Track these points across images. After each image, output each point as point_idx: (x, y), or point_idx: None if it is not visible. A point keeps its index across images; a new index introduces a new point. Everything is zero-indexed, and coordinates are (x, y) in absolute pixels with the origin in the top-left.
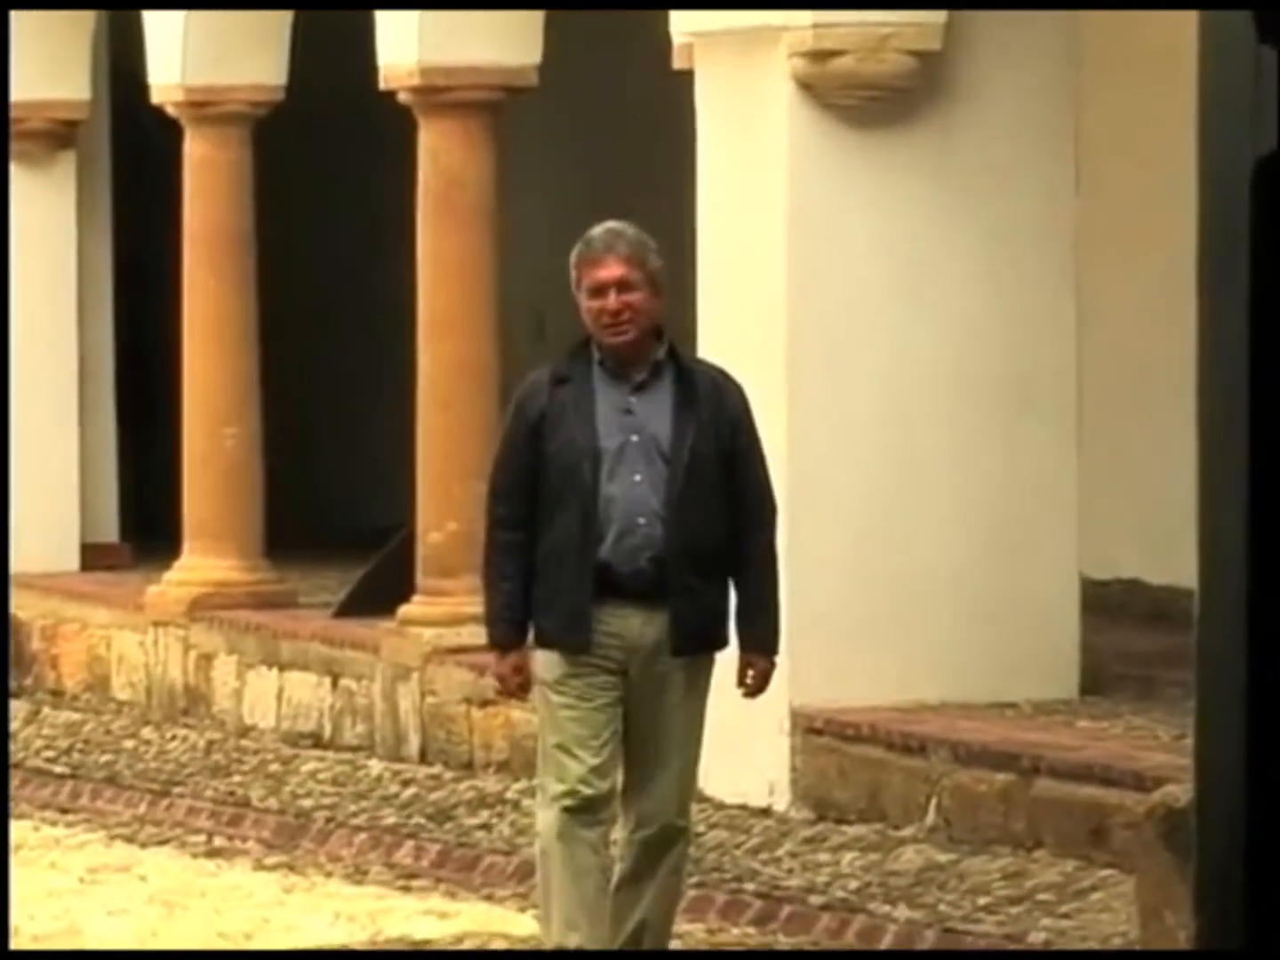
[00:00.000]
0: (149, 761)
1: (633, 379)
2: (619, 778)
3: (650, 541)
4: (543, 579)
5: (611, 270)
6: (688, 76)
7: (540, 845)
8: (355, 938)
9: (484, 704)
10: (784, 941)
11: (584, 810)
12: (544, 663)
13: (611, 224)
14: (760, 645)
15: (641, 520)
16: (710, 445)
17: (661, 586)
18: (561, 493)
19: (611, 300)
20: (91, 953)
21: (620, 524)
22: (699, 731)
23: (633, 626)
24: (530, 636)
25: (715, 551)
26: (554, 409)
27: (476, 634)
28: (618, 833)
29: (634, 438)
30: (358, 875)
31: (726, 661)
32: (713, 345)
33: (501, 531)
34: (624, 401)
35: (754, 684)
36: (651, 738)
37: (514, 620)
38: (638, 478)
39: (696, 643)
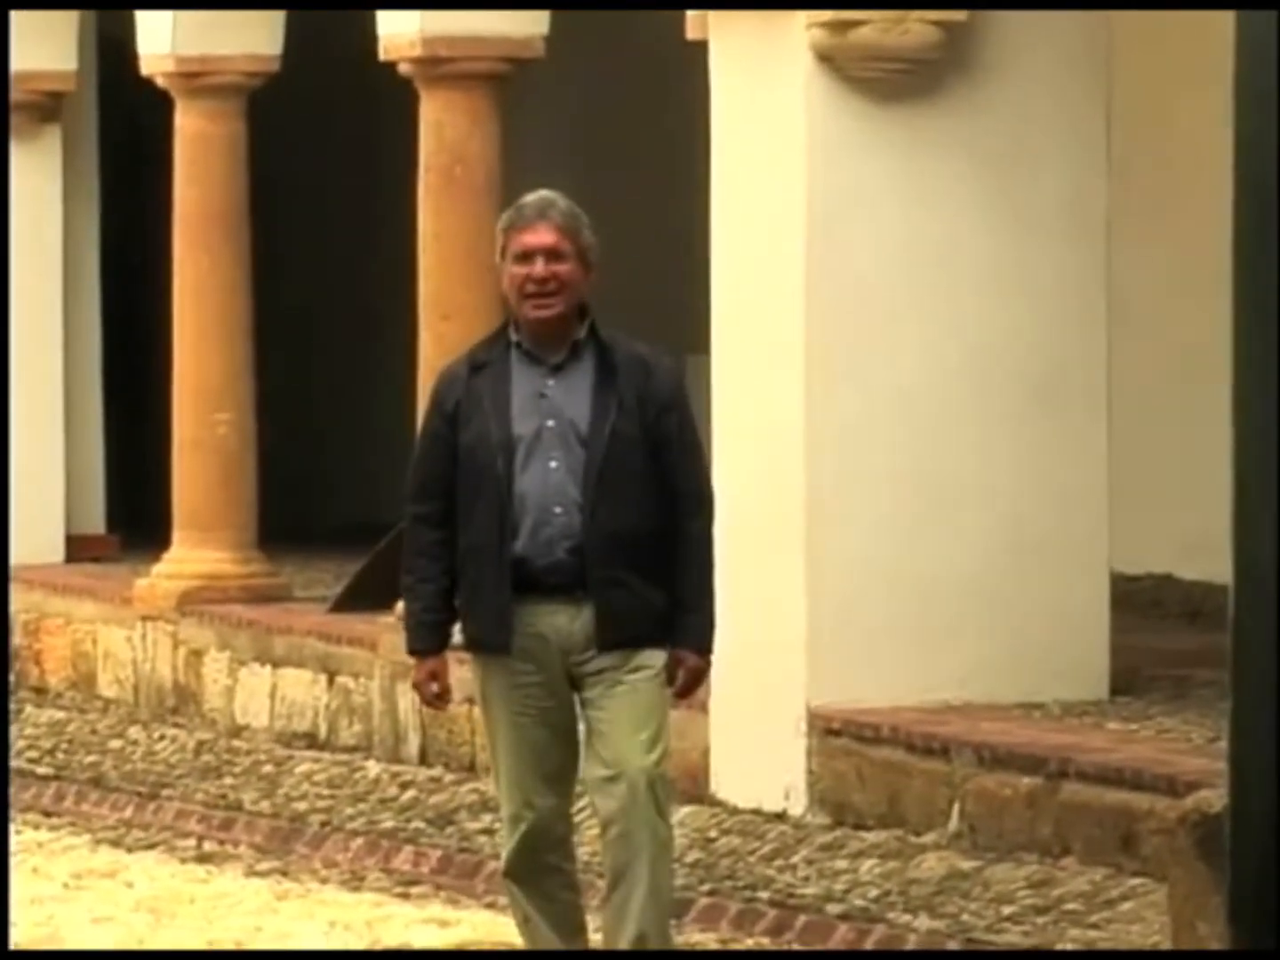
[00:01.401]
0: (136, 762)
1: (549, 360)
2: (572, 790)
3: (568, 531)
4: (462, 579)
5: (542, 237)
6: (701, 48)
7: (502, 875)
8: (351, 947)
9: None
10: (799, 952)
11: (540, 833)
12: (477, 672)
13: (545, 192)
14: (690, 641)
15: (558, 509)
16: (634, 428)
17: (584, 579)
18: (477, 486)
19: (539, 267)
20: (93, 953)
21: (535, 514)
22: (659, 715)
23: (559, 624)
24: (454, 641)
25: (644, 541)
26: (469, 399)
27: None
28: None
29: (550, 423)
30: (354, 882)
31: (719, 659)
32: (728, 332)
33: (420, 530)
34: (540, 385)
35: (684, 683)
36: (606, 730)
37: (433, 625)
38: (554, 464)
39: (626, 636)
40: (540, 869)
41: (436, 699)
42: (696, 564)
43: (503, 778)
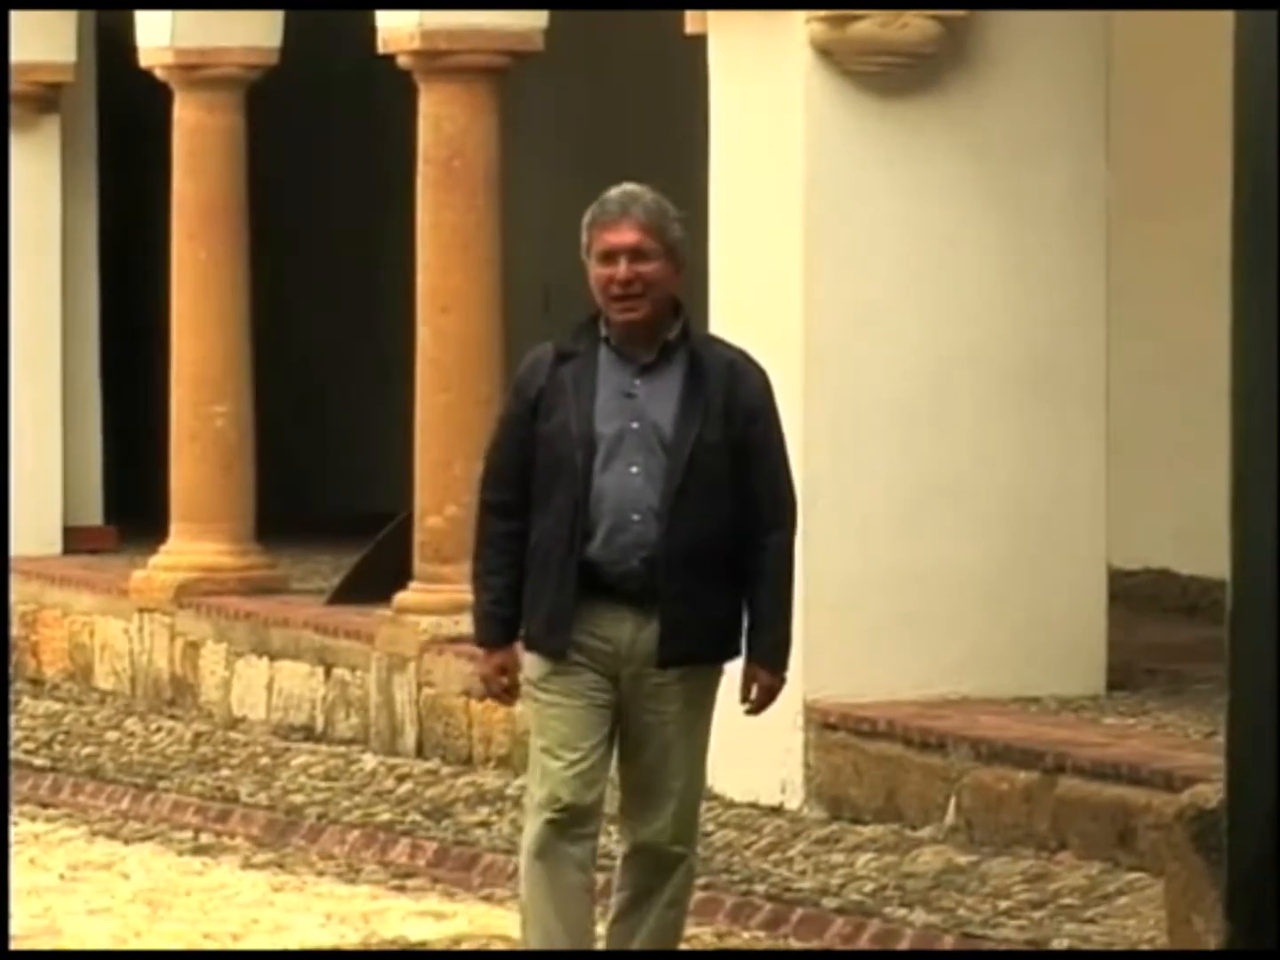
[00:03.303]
0: (133, 754)
1: (639, 360)
2: (606, 788)
3: (644, 540)
4: (530, 575)
5: (624, 236)
6: (701, 41)
7: (521, 863)
8: (347, 939)
9: (483, 696)
10: (795, 946)
11: (568, 823)
12: (530, 661)
13: (629, 186)
14: (765, 659)
15: (635, 516)
16: (720, 435)
17: (655, 590)
18: (553, 480)
19: (622, 269)
20: (95, 953)
21: (612, 519)
22: (701, 753)
23: (625, 632)
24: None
25: (720, 553)
26: (553, 388)
27: None
28: (616, 852)
29: (634, 424)
30: (350, 874)
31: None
32: (726, 324)
33: (492, 520)
34: (627, 384)
35: (757, 700)
36: (648, 759)
37: (501, 618)
38: (634, 469)
39: (690, 654)
40: (565, 859)
41: (504, 693)
42: (776, 578)
43: (540, 766)
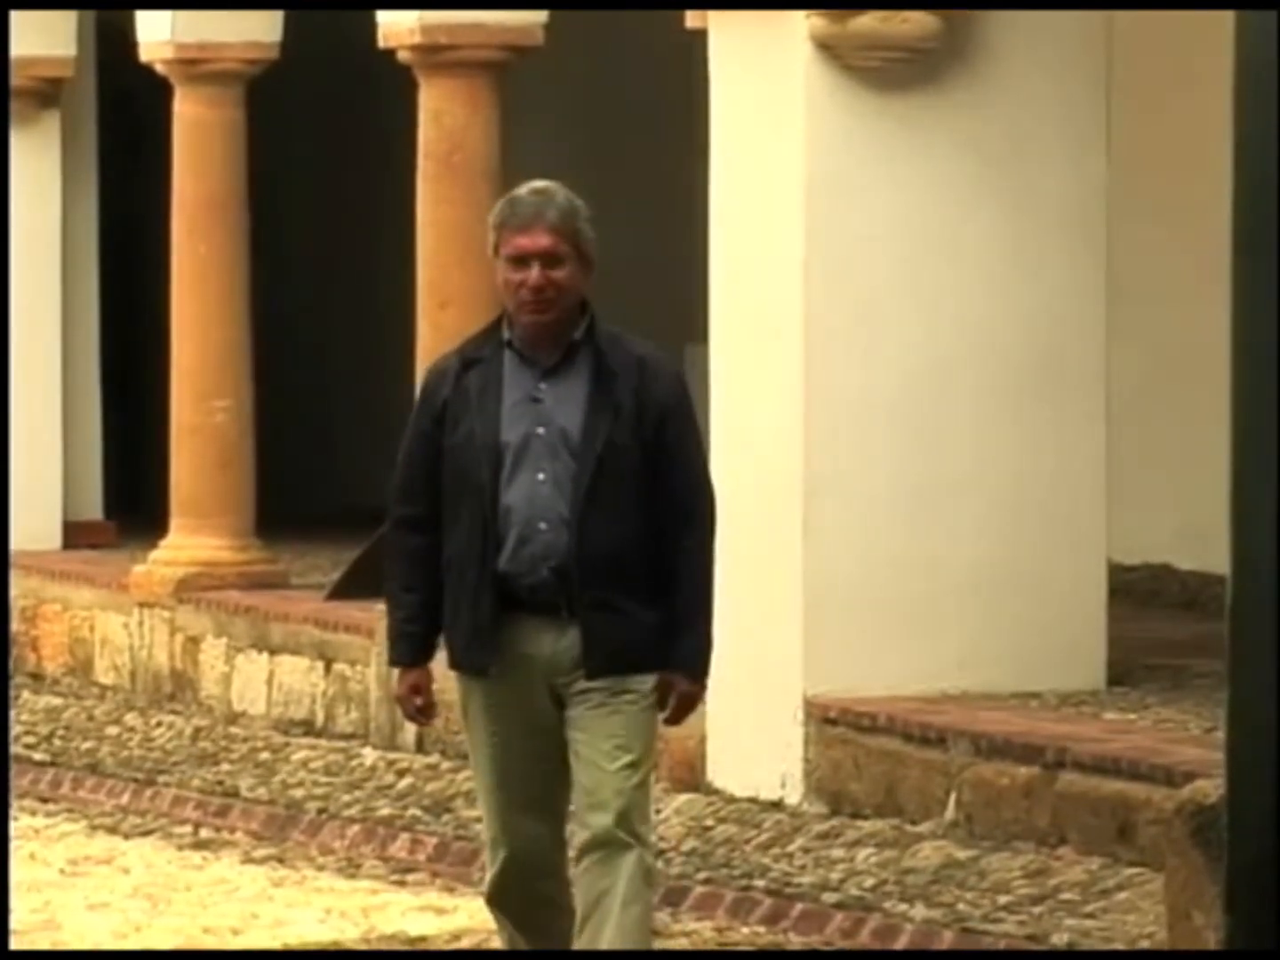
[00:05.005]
0: (133, 749)
1: (542, 363)
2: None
3: (552, 549)
4: (447, 592)
5: (538, 240)
6: (701, 35)
7: (485, 901)
8: (347, 934)
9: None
10: (795, 941)
11: (524, 860)
12: (459, 689)
13: (539, 184)
14: (682, 664)
15: (543, 525)
16: (630, 437)
17: (570, 599)
18: (460, 493)
19: (534, 274)
20: (97, 953)
21: (519, 529)
22: (649, 744)
23: (544, 645)
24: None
25: (636, 559)
26: (457, 398)
27: None
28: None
29: (540, 430)
30: (350, 869)
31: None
32: (727, 321)
33: (403, 535)
34: (532, 388)
35: (674, 710)
36: (591, 750)
37: (415, 636)
38: (541, 476)
39: (615, 663)
40: (531, 899)
41: (419, 713)
42: (691, 582)
43: (483, 801)
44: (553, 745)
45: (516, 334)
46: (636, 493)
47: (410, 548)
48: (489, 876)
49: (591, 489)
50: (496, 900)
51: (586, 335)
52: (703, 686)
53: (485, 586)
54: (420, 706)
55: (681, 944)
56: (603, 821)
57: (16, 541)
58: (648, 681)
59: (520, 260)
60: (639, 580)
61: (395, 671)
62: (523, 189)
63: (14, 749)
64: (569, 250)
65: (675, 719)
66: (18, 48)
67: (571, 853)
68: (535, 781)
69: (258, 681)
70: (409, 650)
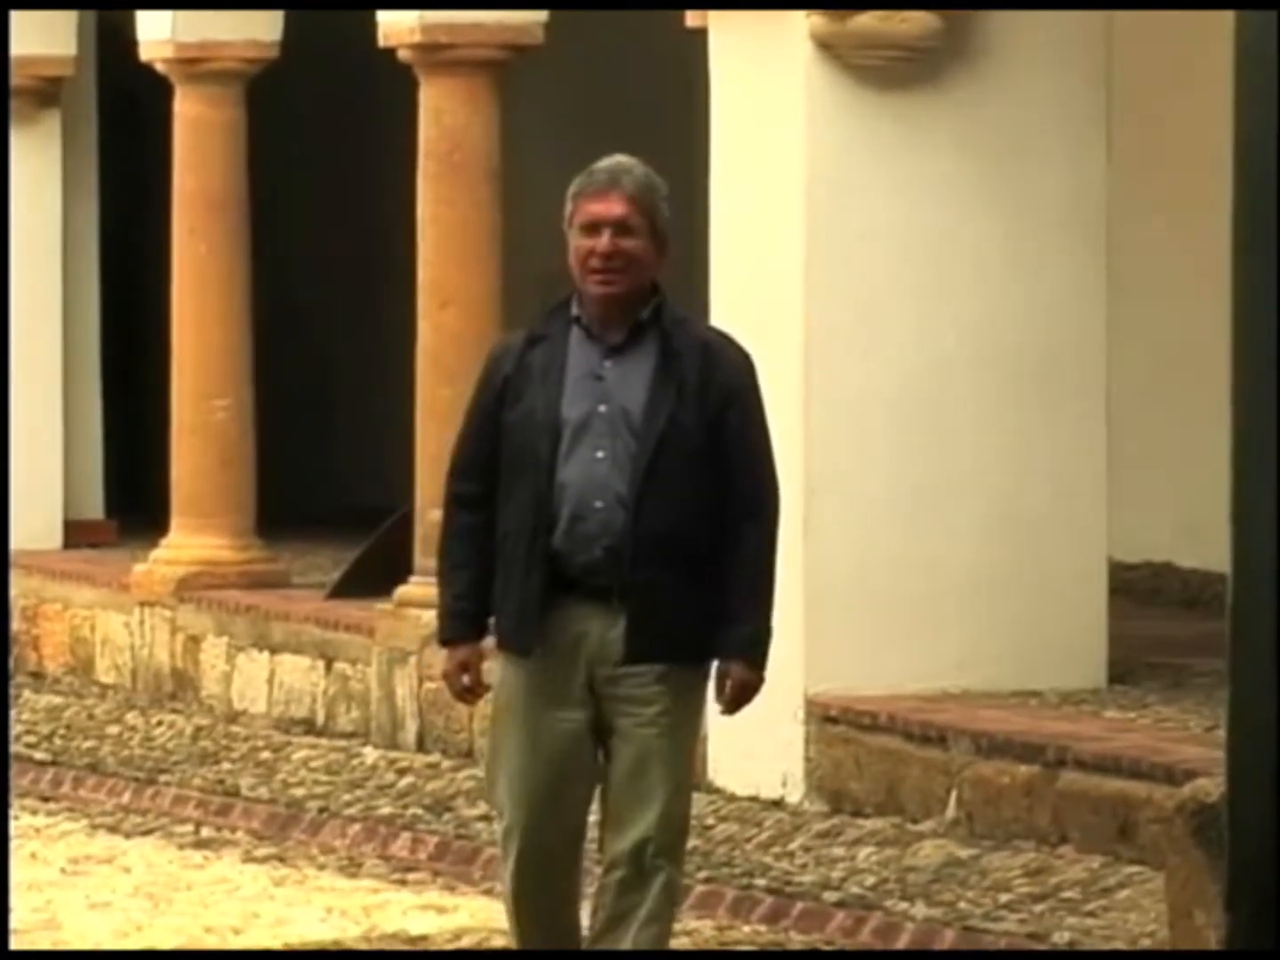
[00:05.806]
0: (134, 748)
1: (608, 340)
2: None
3: (607, 529)
4: (499, 570)
5: (611, 207)
6: (701, 34)
7: (510, 898)
8: (348, 933)
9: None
10: (796, 940)
11: (544, 854)
12: (499, 668)
13: (621, 157)
14: (739, 652)
15: (599, 504)
16: (694, 418)
17: (621, 582)
18: (517, 469)
19: (604, 241)
20: (97, 953)
21: (573, 507)
22: (687, 761)
23: (593, 630)
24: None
25: (694, 543)
26: (520, 374)
27: None
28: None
29: (601, 408)
30: (351, 868)
31: None
32: (727, 317)
33: (458, 512)
34: (596, 366)
35: (730, 697)
36: (627, 765)
37: (465, 613)
38: (600, 454)
39: (662, 649)
40: (553, 897)
41: (467, 692)
42: (750, 570)
43: (504, 788)
44: (586, 737)
45: (585, 310)
46: (697, 476)
47: (464, 525)
48: (508, 873)
49: (650, 469)
50: (522, 896)
51: (654, 316)
52: (761, 676)
53: (536, 563)
54: (468, 685)
55: (682, 943)
56: (637, 850)
57: (17, 541)
58: (692, 686)
59: (592, 227)
60: (692, 565)
61: (443, 651)
62: (603, 161)
63: (15, 748)
64: (642, 223)
65: (731, 709)
66: (18, 47)
67: (595, 853)
68: (565, 772)
69: (258, 680)
70: (459, 627)
